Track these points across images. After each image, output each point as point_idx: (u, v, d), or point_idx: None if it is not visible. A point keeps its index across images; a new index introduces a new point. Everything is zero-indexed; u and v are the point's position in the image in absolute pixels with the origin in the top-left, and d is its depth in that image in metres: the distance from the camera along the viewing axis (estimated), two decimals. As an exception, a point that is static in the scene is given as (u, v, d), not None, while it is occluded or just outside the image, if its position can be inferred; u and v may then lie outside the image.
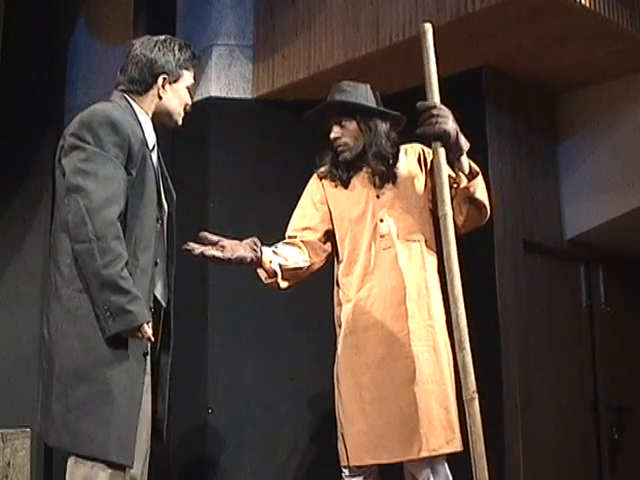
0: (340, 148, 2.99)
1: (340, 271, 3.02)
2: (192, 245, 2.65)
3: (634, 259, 5.19)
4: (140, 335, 2.33)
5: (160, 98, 2.62)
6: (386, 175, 2.96)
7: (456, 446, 2.79)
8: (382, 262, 2.91)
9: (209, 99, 4.75)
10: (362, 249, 2.94)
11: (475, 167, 2.87)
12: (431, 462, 2.80)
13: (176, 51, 2.64)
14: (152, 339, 2.39)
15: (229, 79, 4.80)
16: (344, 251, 3.00)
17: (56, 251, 2.44)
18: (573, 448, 4.67)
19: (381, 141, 2.96)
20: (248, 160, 4.72)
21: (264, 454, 4.44)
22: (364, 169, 3.01)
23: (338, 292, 3.03)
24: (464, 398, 2.59)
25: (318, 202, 3.07)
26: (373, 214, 2.95)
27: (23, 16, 5.06)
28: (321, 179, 3.08)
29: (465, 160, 2.82)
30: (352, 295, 2.95)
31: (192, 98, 2.75)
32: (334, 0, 4.45)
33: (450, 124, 2.69)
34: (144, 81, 2.60)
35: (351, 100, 2.98)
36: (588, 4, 3.83)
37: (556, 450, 4.52)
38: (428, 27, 2.72)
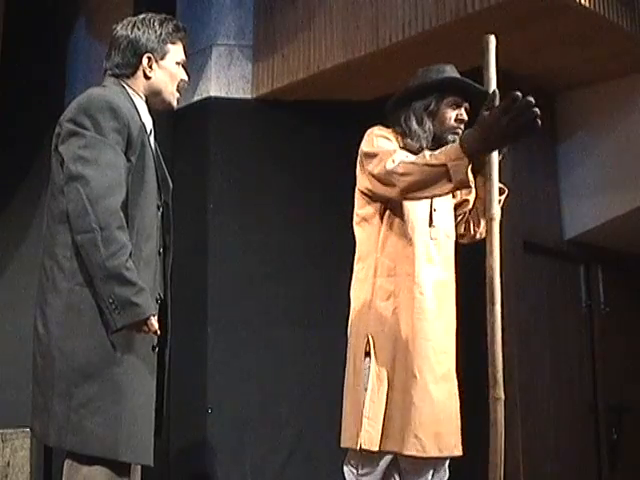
0: (459, 130, 2.86)
1: (394, 240, 2.76)
2: None
3: (634, 259, 5.19)
4: (146, 329, 2.24)
5: (148, 78, 2.51)
6: None
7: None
8: (436, 252, 2.78)
9: (209, 99, 4.75)
10: (417, 233, 2.76)
11: (501, 186, 2.79)
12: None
13: (157, 27, 2.52)
14: (158, 332, 2.30)
15: (229, 79, 4.80)
16: (407, 225, 2.76)
17: (53, 244, 2.33)
18: (573, 448, 4.67)
19: None
20: (248, 160, 4.72)
21: (264, 454, 4.44)
22: None
23: (383, 262, 2.76)
24: (491, 396, 2.58)
25: None
26: (430, 203, 2.82)
27: (23, 16, 5.06)
28: (403, 146, 2.80)
29: None
30: (410, 272, 2.72)
31: (188, 75, 2.61)
32: (334, 0, 4.45)
33: None
34: (128, 63, 2.49)
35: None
36: (588, 4, 3.82)
37: (556, 450, 4.52)
38: (492, 39, 2.63)
